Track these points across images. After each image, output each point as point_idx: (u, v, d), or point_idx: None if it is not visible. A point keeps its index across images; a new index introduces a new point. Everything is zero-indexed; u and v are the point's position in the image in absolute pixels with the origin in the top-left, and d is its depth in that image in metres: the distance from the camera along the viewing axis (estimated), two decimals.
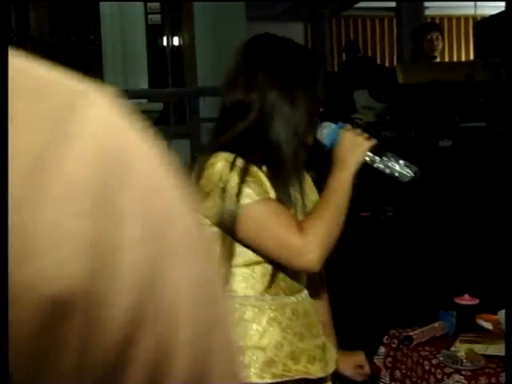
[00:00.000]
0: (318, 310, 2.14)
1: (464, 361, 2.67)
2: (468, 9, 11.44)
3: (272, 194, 1.88)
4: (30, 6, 7.68)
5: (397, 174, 1.98)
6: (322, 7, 12.55)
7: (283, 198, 1.89)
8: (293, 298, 1.98)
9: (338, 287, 3.13)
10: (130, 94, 4.50)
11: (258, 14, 11.14)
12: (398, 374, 2.95)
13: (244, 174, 1.84)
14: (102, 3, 5.09)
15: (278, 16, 13.04)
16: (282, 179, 1.91)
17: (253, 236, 1.84)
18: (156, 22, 7.73)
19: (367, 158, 1.97)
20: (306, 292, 2.05)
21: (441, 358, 2.73)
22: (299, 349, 1.95)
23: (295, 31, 13.30)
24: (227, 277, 1.89)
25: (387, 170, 1.98)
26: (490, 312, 3.03)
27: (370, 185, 4.52)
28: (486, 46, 6.06)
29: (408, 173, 1.97)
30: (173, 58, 8.13)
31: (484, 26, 6.50)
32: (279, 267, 1.92)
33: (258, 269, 1.92)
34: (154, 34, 7.81)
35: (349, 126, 2.01)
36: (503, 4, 5.94)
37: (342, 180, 1.92)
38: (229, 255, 1.88)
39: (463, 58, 13.55)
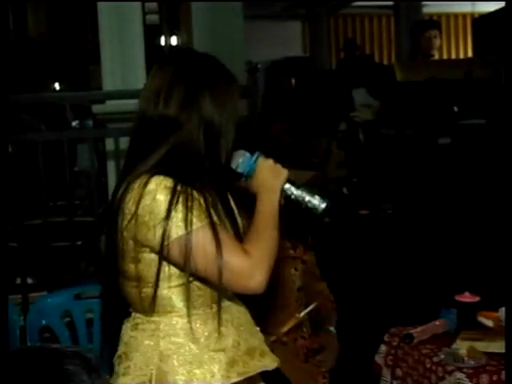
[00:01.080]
0: None
1: (465, 358, 2.67)
2: (466, 6, 11.46)
3: (213, 217, 1.86)
4: (28, 7, 7.68)
5: (312, 205, 2.01)
6: (320, 6, 12.55)
7: (222, 220, 1.89)
8: (229, 301, 1.99)
9: (338, 285, 3.13)
10: (128, 94, 4.48)
11: (256, 13, 11.14)
12: (399, 372, 2.95)
13: (186, 201, 1.82)
14: (99, 3, 5.07)
15: (276, 15, 13.05)
16: (217, 200, 1.91)
17: (200, 262, 1.82)
18: (154, 21, 7.74)
19: (286, 186, 2.01)
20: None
21: (442, 356, 2.73)
22: (252, 344, 1.98)
23: (293, 30, 13.32)
24: (168, 296, 1.89)
25: (304, 200, 2.02)
26: (491, 309, 3.03)
27: (369, 183, 4.52)
28: (484, 43, 6.07)
29: (322, 203, 2.01)
30: None
31: (482, 24, 6.51)
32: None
33: (196, 286, 1.91)
34: (151, 33, 7.81)
35: (262, 155, 2.02)
36: (501, 1, 5.94)
37: (272, 203, 1.95)
38: (169, 277, 1.88)
39: (461, 56, 13.56)
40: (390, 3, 10.98)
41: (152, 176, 1.85)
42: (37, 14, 7.72)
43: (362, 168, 4.54)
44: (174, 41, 8.23)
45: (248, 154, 2.03)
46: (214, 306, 1.93)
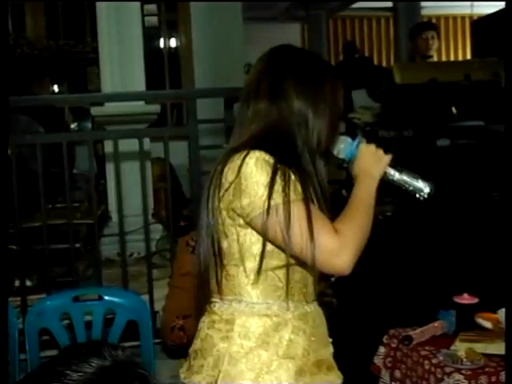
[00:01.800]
0: None
1: (464, 360, 2.67)
2: (464, 8, 11.45)
3: (308, 195, 1.88)
4: (27, 9, 7.68)
5: (415, 189, 2.07)
6: (319, 8, 12.55)
7: (314, 201, 1.91)
8: (311, 306, 1.98)
9: (336, 287, 3.12)
10: (127, 97, 4.49)
11: (255, 15, 11.15)
12: (397, 373, 2.95)
13: (283, 175, 1.84)
14: (98, 5, 5.08)
15: (274, 17, 13.05)
16: (311, 183, 1.92)
17: (284, 234, 1.81)
18: (153, 24, 7.75)
19: (386, 172, 2.05)
20: (316, 301, 2.04)
21: (441, 358, 2.73)
22: (322, 356, 1.96)
23: (292, 32, 13.31)
24: (256, 278, 1.89)
25: (406, 185, 2.07)
26: (490, 311, 3.04)
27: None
28: (483, 45, 6.07)
29: (425, 187, 2.07)
30: (170, 59, 8.13)
31: (481, 25, 6.51)
32: (303, 274, 1.93)
33: (283, 274, 1.89)
34: (150, 36, 7.81)
35: (364, 140, 2.08)
36: (500, 3, 5.94)
37: (369, 189, 1.98)
38: (262, 256, 1.87)
39: (460, 58, 13.56)
40: (389, 5, 10.98)
41: (252, 149, 1.87)
42: (35, 17, 7.71)
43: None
44: (172, 43, 8.24)
45: (349, 140, 2.07)
46: (292, 308, 1.93)
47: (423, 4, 10.48)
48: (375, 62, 11.99)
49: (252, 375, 1.86)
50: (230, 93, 4.88)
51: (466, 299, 3.02)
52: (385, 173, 2.05)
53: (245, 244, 1.88)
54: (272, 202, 1.80)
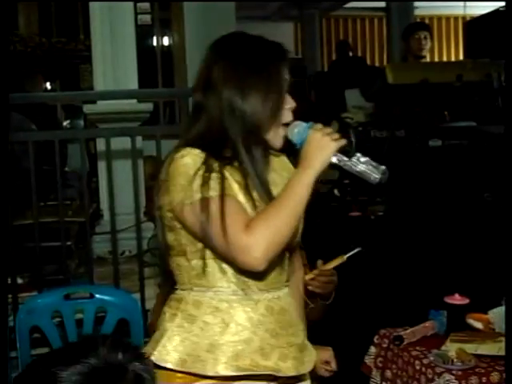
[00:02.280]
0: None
1: (454, 360, 2.68)
2: (457, 9, 11.46)
3: (233, 191, 1.89)
4: (20, 6, 7.66)
5: (365, 175, 1.92)
6: (313, 7, 12.56)
7: (248, 197, 1.92)
8: (267, 295, 1.97)
9: None
10: (119, 95, 4.48)
11: (248, 14, 11.15)
12: (388, 373, 2.96)
13: (208, 169, 1.87)
14: (91, 3, 5.06)
15: (268, 16, 13.05)
16: (245, 175, 1.93)
17: (202, 229, 1.85)
18: (146, 22, 7.73)
19: (334, 159, 1.92)
20: (285, 290, 2.05)
21: (431, 358, 2.74)
22: (270, 345, 1.94)
23: (285, 31, 13.31)
24: (203, 269, 1.93)
25: (355, 171, 1.94)
26: (481, 311, 3.04)
27: (360, 185, 4.52)
28: (476, 45, 6.08)
29: (376, 173, 1.91)
30: (163, 58, 8.12)
31: (474, 26, 6.52)
32: None
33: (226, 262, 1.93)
34: (143, 34, 7.79)
35: (318, 126, 1.96)
36: (492, 4, 5.95)
37: (303, 180, 1.88)
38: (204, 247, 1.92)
39: (452, 58, 13.59)
40: (382, 5, 10.99)
41: (185, 147, 1.94)
42: (28, 14, 7.70)
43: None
44: (165, 41, 8.22)
45: (304, 124, 1.98)
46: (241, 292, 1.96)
47: (416, 4, 10.49)
48: (368, 61, 12.01)
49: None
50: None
51: (457, 300, 3.03)
52: (333, 159, 1.92)
53: (187, 236, 1.93)
54: (188, 199, 1.86)
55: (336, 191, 4.73)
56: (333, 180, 4.83)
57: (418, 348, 2.87)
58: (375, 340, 3.09)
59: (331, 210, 4.66)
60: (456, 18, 13.63)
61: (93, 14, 5.05)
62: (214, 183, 1.85)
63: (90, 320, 3.21)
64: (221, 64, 1.97)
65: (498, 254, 2.52)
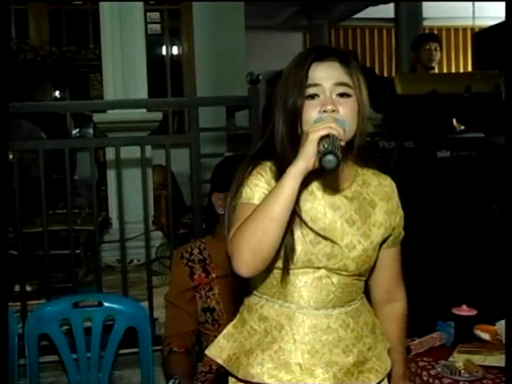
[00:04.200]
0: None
1: (462, 371, 2.68)
2: (466, 20, 11.45)
3: (256, 199, 1.87)
4: (30, 15, 7.70)
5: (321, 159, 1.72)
6: (322, 18, 12.58)
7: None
8: (315, 312, 1.94)
9: None
10: (129, 104, 4.50)
11: (258, 24, 11.18)
12: None
13: (248, 177, 1.92)
14: (101, 12, 5.09)
15: (277, 26, 13.08)
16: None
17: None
18: (156, 31, 7.77)
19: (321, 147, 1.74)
20: (340, 310, 1.97)
21: (439, 369, 2.74)
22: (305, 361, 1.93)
23: (294, 41, 13.34)
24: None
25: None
26: (488, 323, 3.04)
27: None
28: (485, 57, 6.08)
29: (326, 163, 1.70)
30: (172, 67, 8.16)
31: (482, 37, 6.52)
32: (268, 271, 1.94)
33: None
34: (153, 43, 7.84)
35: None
36: (501, 15, 5.96)
37: (282, 181, 1.76)
38: None
39: (461, 69, 13.59)
40: (391, 16, 11.00)
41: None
42: (39, 23, 7.74)
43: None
44: (175, 51, 8.26)
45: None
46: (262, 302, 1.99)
47: (425, 15, 10.50)
48: (377, 72, 12.01)
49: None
50: (231, 101, 4.91)
51: (464, 311, 3.03)
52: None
53: None
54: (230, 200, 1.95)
55: None
56: None
57: (425, 359, 2.87)
58: None
59: None
60: (464, 30, 13.63)
61: (103, 23, 5.08)
62: (247, 191, 1.89)
63: (98, 328, 3.21)
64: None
65: (506, 265, 2.52)
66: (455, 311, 3.03)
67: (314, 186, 1.95)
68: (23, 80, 7.12)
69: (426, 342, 2.97)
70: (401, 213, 2.15)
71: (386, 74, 13.19)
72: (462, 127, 5.65)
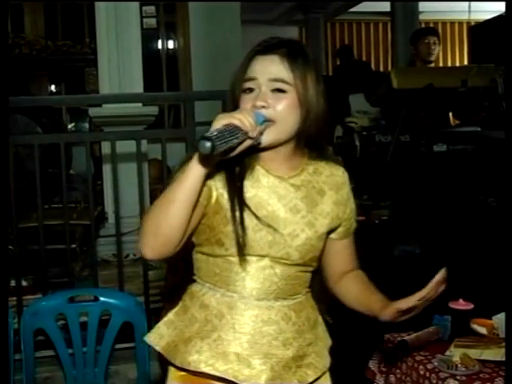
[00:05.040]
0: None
1: (459, 365, 2.67)
2: (462, 14, 11.47)
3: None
4: (26, 9, 7.68)
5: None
6: (317, 11, 12.57)
7: None
8: (257, 303, 1.93)
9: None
10: (125, 98, 4.49)
11: (253, 18, 11.16)
12: (392, 378, 2.95)
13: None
14: (97, 6, 5.08)
15: (273, 20, 13.07)
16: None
17: None
18: (151, 25, 7.74)
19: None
20: (281, 303, 1.96)
21: (435, 363, 2.73)
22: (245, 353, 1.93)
23: (290, 35, 13.26)
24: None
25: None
26: (485, 317, 3.04)
27: (364, 189, 4.53)
28: (481, 51, 6.08)
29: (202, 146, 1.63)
30: (168, 61, 8.14)
31: (479, 31, 6.52)
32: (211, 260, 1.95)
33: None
34: (149, 37, 7.81)
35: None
36: (497, 9, 5.96)
37: (188, 166, 1.74)
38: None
39: (457, 63, 13.59)
40: (387, 10, 11.00)
41: None
42: (34, 17, 7.71)
43: (357, 174, 4.54)
44: (171, 45, 8.24)
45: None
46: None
47: (421, 9, 10.49)
48: (373, 66, 12.02)
49: None
50: (227, 95, 4.89)
51: (461, 305, 3.03)
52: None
53: None
54: None
55: None
56: None
57: (422, 353, 2.86)
58: (379, 345, 3.09)
59: None
60: (461, 23, 13.64)
61: (98, 17, 5.08)
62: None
63: (94, 323, 3.21)
64: None
65: (503, 259, 2.52)
66: (452, 305, 3.03)
67: (260, 173, 1.93)
68: (19, 74, 7.10)
69: (423, 336, 2.97)
70: (352, 205, 2.11)
71: (382, 68, 13.20)
72: (457, 122, 5.64)
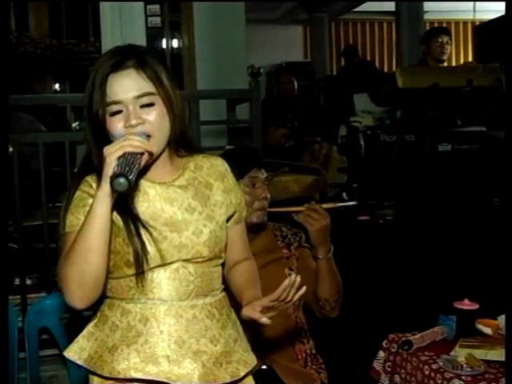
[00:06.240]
0: None
1: (464, 366, 2.67)
2: (467, 13, 11.45)
3: None
4: (30, 8, 7.67)
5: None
6: (322, 11, 12.56)
7: None
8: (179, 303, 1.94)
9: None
10: None
11: (258, 17, 11.16)
12: (397, 378, 2.95)
13: (72, 202, 1.92)
14: (101, 5, 5.08)
15: (277, 19, 13.06)
16: None
17: None
18: (156, 24, 7.73)
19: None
20: (204, 300, 1.98)
21: (440, 363, 2.73)
22: (173, 353, 1.93)
23: (295, 35, 13.34)
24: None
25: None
26: (490, 317, 3.03)
27: (369, 189, 4.52)
28: (486, 50, 6.07)
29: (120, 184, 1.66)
30: (172, 60, 8.13)
31: (483, 31, 6.50)
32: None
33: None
34: (153, 36, 7.80)
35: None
36: (502, 9, 5.94)
37: (92, 207, 1.76)
38: None
39: (462, 63, 13.57)
40: (392, 9, 10.98)
41: None
42: (38, 15, 7.71)
43: (362, 173, 4.54)
44: (175, 44, 8.23)
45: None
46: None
47: (426, 8, 10.48)
48: (377, 65, 12.01)
49: None
50: (232, 94, 4.89)
51: (466, 305, 3.02)
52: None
53: None
54: None
55: (344, 195, 4.73)
56: (341, 184, 4.83)
57: (426, 353, 2.86)
58: (384, 345, 3.08)
59: (339, 213, 4.66)
60: (465, 23, 13.62)
61: (103, 15, 5.08)
62: (68, 219, 1.90)
63: None
64: None
65: (508, 259, 2.51)
66: (457, 305, 3.02)
67: (146, 186, 1.94)
68: (23, 73, 7.09)
69: (428, 336, 2.96)
70: (239, 190, 2.15)
71: (386, 68, 13.19)
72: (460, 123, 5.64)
